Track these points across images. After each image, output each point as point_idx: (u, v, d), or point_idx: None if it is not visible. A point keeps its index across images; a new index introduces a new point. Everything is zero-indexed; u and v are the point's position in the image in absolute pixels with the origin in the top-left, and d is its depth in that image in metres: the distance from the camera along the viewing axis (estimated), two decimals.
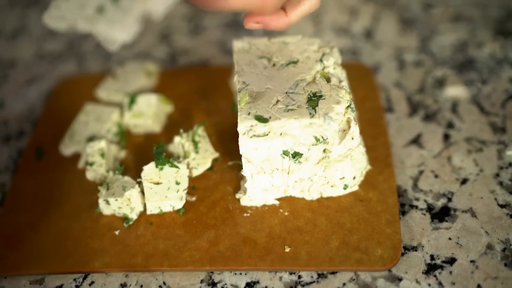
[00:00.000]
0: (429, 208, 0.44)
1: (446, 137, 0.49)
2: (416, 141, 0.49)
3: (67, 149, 0.49)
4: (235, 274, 0.41)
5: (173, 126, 0.51)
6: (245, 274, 0.41)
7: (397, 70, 0.56)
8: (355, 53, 0.58)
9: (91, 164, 0.46)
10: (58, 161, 0.50)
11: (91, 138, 0.49)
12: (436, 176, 0.46)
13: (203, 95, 0.54)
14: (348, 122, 0.42)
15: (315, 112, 0.41)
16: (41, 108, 0.55)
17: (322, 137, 0.41)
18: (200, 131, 0.48)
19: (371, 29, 0.61)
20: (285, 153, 0.42)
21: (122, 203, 0.43)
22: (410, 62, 0.56)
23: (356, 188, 0.45)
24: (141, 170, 0.45)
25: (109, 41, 0.36)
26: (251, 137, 0.41)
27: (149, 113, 0.50)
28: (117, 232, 0.44)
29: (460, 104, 0.52)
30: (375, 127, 0.50)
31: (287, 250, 0.42)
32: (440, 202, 0.44)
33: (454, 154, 0.48)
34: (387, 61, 0.57)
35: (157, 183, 0.44)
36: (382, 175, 0.46)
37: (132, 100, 0.50)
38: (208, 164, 0.47)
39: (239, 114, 0.41)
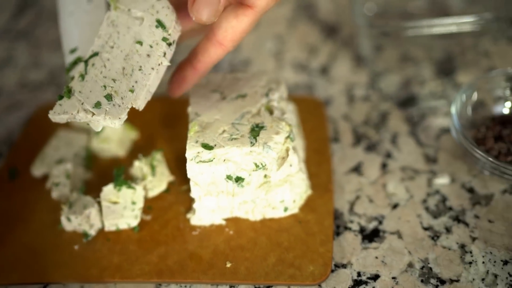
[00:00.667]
0: (361, 230, 0.48)
1: (384, 165, 0.53)
2: (356, 169, 0.53)
3: (37, 170, 0.53)
4: (181, 286, 0.45)
5: (136, 151, 0.55)
6: (190, 286, 0.45)
7: (347, 104, 0.60)
8: (310, 87, 0.63)
9: (57, 184, 0.50)
10: (29, 182, 0.54)
11: (60, 161, 0.53)
12: (370, 201, 0.50)
13: (166, 123, 0.58)
14: (287, 150, 0.46)
15: (256, 141, 0.45)
16: (19, 132, 0.60)
17: (262, 164, 0.45)
18: (158, 156, 0.52)
19: (327, 66, 0.65)
20: (229, 177, 0.46)
21: (82, 220, 0.47)
22: (359, 97, 0.61)
23: (296, 210, 0.49)
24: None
25: (98, 125, 0.42)
26: (197, 162, 0.45)
27: (114, 139, 0.54)
28: (76, 247, 0.48)
29: (399, 137, 0.56)
30: (320, 155, 0.54)
31: (228, 265, 0.45)
32: (372, 225, 0.48)
33: (389, 181, 0.52)
34: (339, 96, 0.61)
35: (115, 203, 0.48)
36: (322, 199, 0.50)
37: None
38: (163, 186, 0.51)
39: (188, 142, 0.46)
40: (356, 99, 0.61)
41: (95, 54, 0.46)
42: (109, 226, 0.48)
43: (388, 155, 0.54)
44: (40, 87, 0.66)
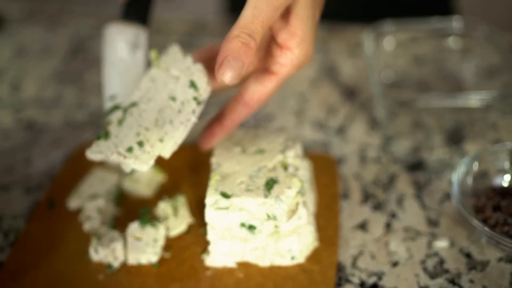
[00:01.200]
0: (361, 284, 0.51)
1: (388, 225, 0.56)
2: (362, 225, 0.56)
3: (73, 203, 0.58)
4: None
5: (162, 193, 0.60)
6: None
7: (358, 164, 0.64)
8: (326, 145, 0.67)
9: (89, 218, 0.55)
10: (64, 213, 0.59)
11: (93, 196, 0.58)
12: (372, 257, 0.53)
13: (193, 169, 0.63)
14: (297, 204, 0.50)
15: (269, 193, 0.49)
16: (59, 167, 0.65)
17: (273, 215, 0.49)
18: (181, 199, 0.56)
19: (344, 126, 0.70)
20: (242, 224, 0.50)
21: (108, 253, 0.52)
22: (370, 158, 0.65)
23: (302, 260, 0.52)
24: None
25: (128, 167, 0.49)
26: (215, 208, 0.49)
27: (143, 180, 0.59)
28: (101, 277, 0.52)
29: (405, 198, 0.59)
30: (329, 210, 0.57)
31: None
32: (371, 280, 0.51)
33: (391, 240, 0.55)
34: (352, 155, 0.65)
35: (139, 239, 0.53)
36: (327, 251, 0.53)
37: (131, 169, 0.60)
38: (183, 227, 0.55)
39: (208, 189, 0.50)
40: (367, 160, 0.64)
41: (134, 104, 0.51)
42: (132, 260, 0.52)
43: (393, 215, 0.57)
44: (82, 127, 0.72)
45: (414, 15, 0.73)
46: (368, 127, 0.69)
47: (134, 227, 0.53)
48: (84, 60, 0.85)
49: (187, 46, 0.74)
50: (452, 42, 0.74)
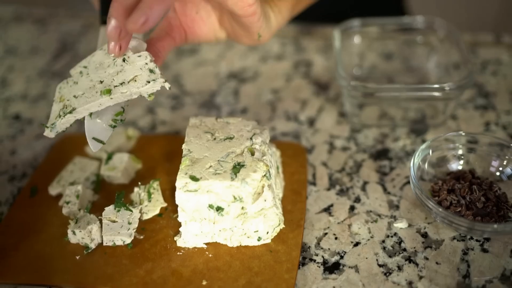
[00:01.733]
0: (324, 262, 0.53)
1: (352, 208, 0.59)
2: (327, 209, 0.59)
3: (53, 190, 0.60)
4: None
5: (138, 179, 0.62)
6: None
7: (327, 153, 0.66)
8: (297, 136, 0.69)
9: (68, 202, 0.57)
10: (45, 199, 0.61)
11: (73, 183, 0.60)
12: (336, 238, 0.55)
13: (168, 158, 0.65)
14: (263, 187, 0.52)
15: (236, 177, 0.51)
16: (43, 157, 0.67)
17: (239, 197, 0.51)
18: (155, 185, 0.58)
19: (315, 118, 0.72)
20: (211, 206, 0.52)
21: (84, 235, 0.54)
22: (338, 147, 0.67)
23: (268, 241, 0.54)
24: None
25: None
26: (185, 191, 0.51)
27: (120, 168, 0.61)
28: (78, 257, 0.54)
29: (369, 184, 0.61)
30: (297, 196, 0.60)
31: (204, 283, 0.51)
32: (334, 259, 0.53)
33: (354, 222, 0.57)
34: (321, 145, 0.67)
35: (114, 221, 0.55)
36: (292, 233, 0.55)
37: (109, 157, 0.62)
38: (157, 211, 0.57)
39: (178, 173, 0.52)
40: (335, 149, 0.67)
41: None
42: (107, 241, 0.54)
43: (357, 200, 0.60)
44: None
45: (372, 16, 0.76)
46: (337, 119, 0.71)
47: (109, 210, 0.55)
48: (70, 59, 0.87)
49: None
50: (416, 39, 0.77)
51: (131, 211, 0.55)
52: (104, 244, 0.54)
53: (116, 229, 0.54)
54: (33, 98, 0.79)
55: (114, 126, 0.53)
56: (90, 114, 0.52)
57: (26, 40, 0.93)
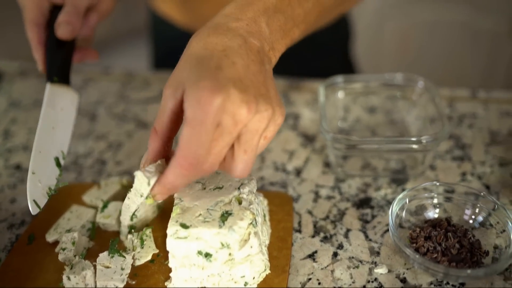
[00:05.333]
0: None
1: (335, 254, 0.61)
2: (311, 256, 0.61)
3: (50, 237, 0.63)
4: None
5: (132, 227, 0.65)
6: None
7: (312, 201, 0.69)
8: (284, 185, 0.73)
9: (64, 249, 0.60)
10: (42, 246, 0.63)
11: (69, 230, 0.63)
12: (319, 283, 0.58)
13: (161, 207, 0.68)
14: (249, 234, 0.55)
15: (224, 224, 0.55)
16: (41, 210, 0.70)
17: (226, 243, 0.54)
18: (148, 232, 0.61)
19: (301, 168, 0.76)
20: (199, 252, 0.55)
21: (79, 280, 0.56)
22: (323, 196, 0.70)
23: (255, 286, 0.57)
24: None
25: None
26: (175, 238, 0.54)
27: (115, 216, 0.64)
28: None
29: (351, 232, 0.64)
30: (283, 242, 0.62)
31: None
32: None
33: (337, 268, 0.59)
34: (307, 194, 0.71)
35: (107, 267, 0.57)
36: (278, 278, 0.58)
37: (105, 205, 0.65)
38: (149, 257, 0.60)
39: (170, 221, 0.55)
40: (320, 198, 0.70)
41: None
42: (100, 286, 0.56)
43: (340, 246, 0.62)
44: (64, 170, 0.78)
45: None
46: (323, 169, 0.75)
47: (103, 256, 0.57)
48: None
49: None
50: (397, 94, 0.82)
51: (124, 257, 0.57)
52: None
53: (110, 274, 0.56)
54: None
55: (49, 196, 0.58)
56: (33, 172, 0.57)
57: (29, 94, 0.98)
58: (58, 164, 0.61)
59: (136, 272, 0.59)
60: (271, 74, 0.52)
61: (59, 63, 0.66)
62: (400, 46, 2.07)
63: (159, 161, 0.54)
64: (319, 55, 1.08)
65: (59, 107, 0.65)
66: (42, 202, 0.57)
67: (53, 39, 0.66)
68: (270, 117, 0.49)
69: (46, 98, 0.64)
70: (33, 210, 0.56)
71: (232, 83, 0.46)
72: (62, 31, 0.64)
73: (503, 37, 1.96)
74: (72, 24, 0.64)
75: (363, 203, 0.69)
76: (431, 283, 0.57)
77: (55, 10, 0.68)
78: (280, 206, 0.68)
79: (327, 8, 0.62)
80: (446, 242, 0.58)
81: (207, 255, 0.55)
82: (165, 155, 0.54)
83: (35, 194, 0.56)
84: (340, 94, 0.82)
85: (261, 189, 0.70)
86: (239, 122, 0.47)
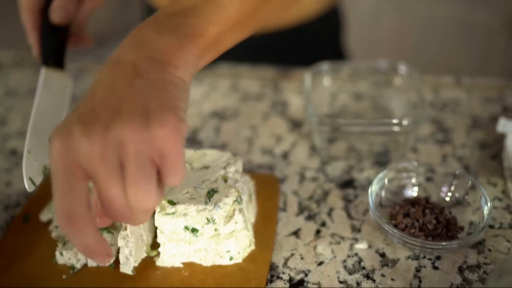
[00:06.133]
0: (290, 280, 0.57)
1: (318, 232, 0.64)
2: (295, 233, 0.64)
3: (44, 216, 0.65)
4: None
5: None
6: None
7: (298, 182, 0.72)
8: (271, 168, 0.75)
9: (57, 227, 0.62)
10: (37, 225, 0.65)
11: None
12: (302, 258, 0.60)
13: None
14: (234, 211, 0.58)
15: (209, 201, 0.57)
16: (36, 189, 0.72)
17: (212, 219, 0.57)
18: None
19: (288, 152, 0.78)
20: (186, 228, 0.57)
21: (71, 255, 0.58)
22: (308, 177, 0.73)
23: (240, 260, 0.59)
24: None
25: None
26: (163, 214, 0.57)
27: None
28: (64, 277, 0.58)
29: (334, 210, 0.67)
30: (268, 221, 0.65)
31: None
32: (299, 276, 0.58)
33: (319, 244, 0.62)
34: (293, 175, 0.73)
35: None
36: (262, 253, 0.60)
37: None
38: None
39: None
40: (306, 179, 0.72)
41: None
42: (91, 263, 0.59)
43: (323, 224, 0.65)
44: None
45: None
46: (309, 152, 0.77)
47: None
48: None
49: None
50: (382, 80, 0.84)
51: (112, 233, 0.59)
52: (89, 265, 0.59)
53: None
54: None
55: (44, 174, 0.59)
56: (29, 151, 0.59)
57: (25, 83, 1.00)
58: None
59: None
60: (163, 82, 0.43)
61: (54, 47, 0.69)
62: (395, 41, 2.09)
63: None
64: (309, 45, 1.09)
65: (54, 90, 0.67)
66: (38, 180, 0.59)
67: (48, 24, 0.68)
68: (138, 133, 0.40)
69: (41, 81, 0.66)
70: (29, 187, 0.58)
71: (77, 119, 0.41)
72: (57, 15, 0.66)
73: (496, 31, 1.99)
74: (66, 9, 0.66)
75: (347, 184, 0.71)
76: (408, 257, 0.59)
77: None
78: (267, 186, 0.70)
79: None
80: (424, 218, 0.60)
81: (194, 230, 0.57)
82: None
83: (31, 172, 0.58)
84: (326, 81, 0.84)
85: (249, 171, 0.73)
86: (90, 156, 0.40)
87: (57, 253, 0.59)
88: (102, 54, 1.14)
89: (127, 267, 0.57)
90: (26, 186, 0.58)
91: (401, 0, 2.06)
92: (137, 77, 0.42)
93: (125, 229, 0.56)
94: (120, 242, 0.56)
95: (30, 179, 0.59)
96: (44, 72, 0.68)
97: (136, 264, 0.58)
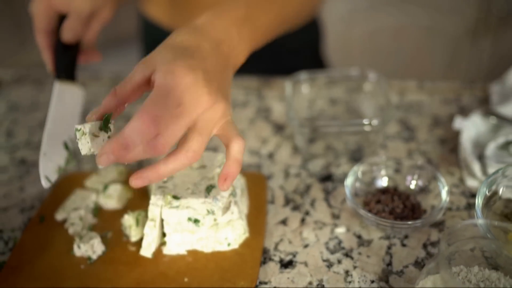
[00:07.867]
0: (280, 260, 0.66)
1: (303, 220, 0.72)
2: (283, 221, 0.72)
3: (59, 215, 0.72)
4: None
5: (130, 206, 0.74)
6: None
7: (283, 178, 0.80)
8: (259, 167, 0.83)
9: (73, 224, 0.69)
10: (53, 224, 0.72)
11: (76, 209, 0.72)
12: (290, 243, 0.68)
13: None
14: (230, 203, 0.66)
15: (209, 195, 0.65)
16: (48, 192, 0.79)
17: (211, 210, 0.64)
18: (142, 213, 0.70)
19: (273, 152, 0.86)
20: (189, 219, 0.65)
21: (87, 248, 0.66)
22: (292, 174, 0.81)
23: (236, 246, 0.67)
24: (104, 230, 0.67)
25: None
26: (169, 208, 0.64)
27: (115, 196, 0.74)
28: (82, 267, 0.65)
29: (316, 201, 0.75)
30: (259, 212, 0.73)
31: (186, 280, 0.63)
32: (288, 257, 0.66)
33: (304, 230, 0.70)
34: (278, 173, 0.81)
35: (96, 136, 0.55)
36: (255, 240, 0.68)
37: (105, 187, 0.75)
38: (142, 235, 0.69)
39: (153, 190, 0.65)
40: (290, 175, 0.81)
41: None
42: (94, 151, 0.55)
43: (307, 213, 0.73)
44: None
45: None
46: (291, 152, 0.86)
47: (93, 126, 0.55)
48: None
49: None
50: (354, 87, 0.93)
51: (110, 130, 0.56)
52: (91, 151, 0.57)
53: (99, 142, 0.56)
54: (36, 145, 0.91)
55: (59, 173, 0.67)
56: (44, 154, 0.66)
57: (26, 98, 1.06)
58: (66, 147, 0.70)
59: (134, 244, 0.68)
60: (230, 80, 0.58)
61: (66, 63, 0.76)
62: (368, 49, 2.20)
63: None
64: (291, 55, 1.18)
65: (67, 100, 0.74)
66: (53, 177, 0.66)
67: (60, 43, 0.75)
68: (223, 112, 0.53)
69: (55, 93, 0.72)
70: (45, 184, 0.65)
71: (201, 71, 0.51)
72: (67, 35, 0.74)
73: (461, 39, 2.11)
74: (74, 29, 0.74)
75: (326, 178, 0.80)
76: (381, 237, 0.68)
77: (62, 18, 0.77)
78: (256, 183, 0.78)
79: (287, 18, 0.72)
80: (393, 204, 0.69)
81: (196, 221, 0.65)
82: (114, 115, 0.55)
83: (47, 171, 0.65)
84: (305, 89, 0.93)
85: None
86: (199, 106, 0.50)
87: (75, 246, 0.66)
88: (97, 69, 1.21)
89: (148, 251, 0.65)
90: (43, 183, 0.65)
91: (372, 11, 2.17)
92: (227, 69, 0.58)
93: (152, 219, 0.63)
94: (147, 230, 0.63)
95: (46, 177, 0.66)
96: (57, 85, 0.75)
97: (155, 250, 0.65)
